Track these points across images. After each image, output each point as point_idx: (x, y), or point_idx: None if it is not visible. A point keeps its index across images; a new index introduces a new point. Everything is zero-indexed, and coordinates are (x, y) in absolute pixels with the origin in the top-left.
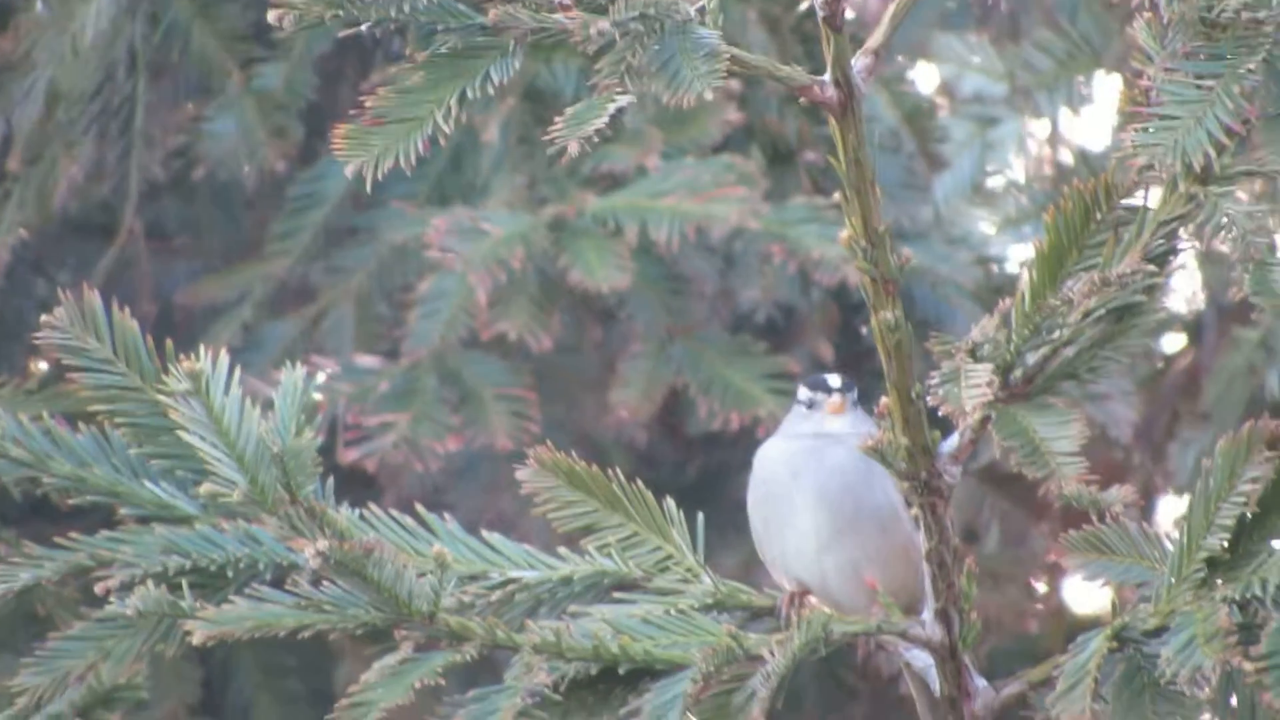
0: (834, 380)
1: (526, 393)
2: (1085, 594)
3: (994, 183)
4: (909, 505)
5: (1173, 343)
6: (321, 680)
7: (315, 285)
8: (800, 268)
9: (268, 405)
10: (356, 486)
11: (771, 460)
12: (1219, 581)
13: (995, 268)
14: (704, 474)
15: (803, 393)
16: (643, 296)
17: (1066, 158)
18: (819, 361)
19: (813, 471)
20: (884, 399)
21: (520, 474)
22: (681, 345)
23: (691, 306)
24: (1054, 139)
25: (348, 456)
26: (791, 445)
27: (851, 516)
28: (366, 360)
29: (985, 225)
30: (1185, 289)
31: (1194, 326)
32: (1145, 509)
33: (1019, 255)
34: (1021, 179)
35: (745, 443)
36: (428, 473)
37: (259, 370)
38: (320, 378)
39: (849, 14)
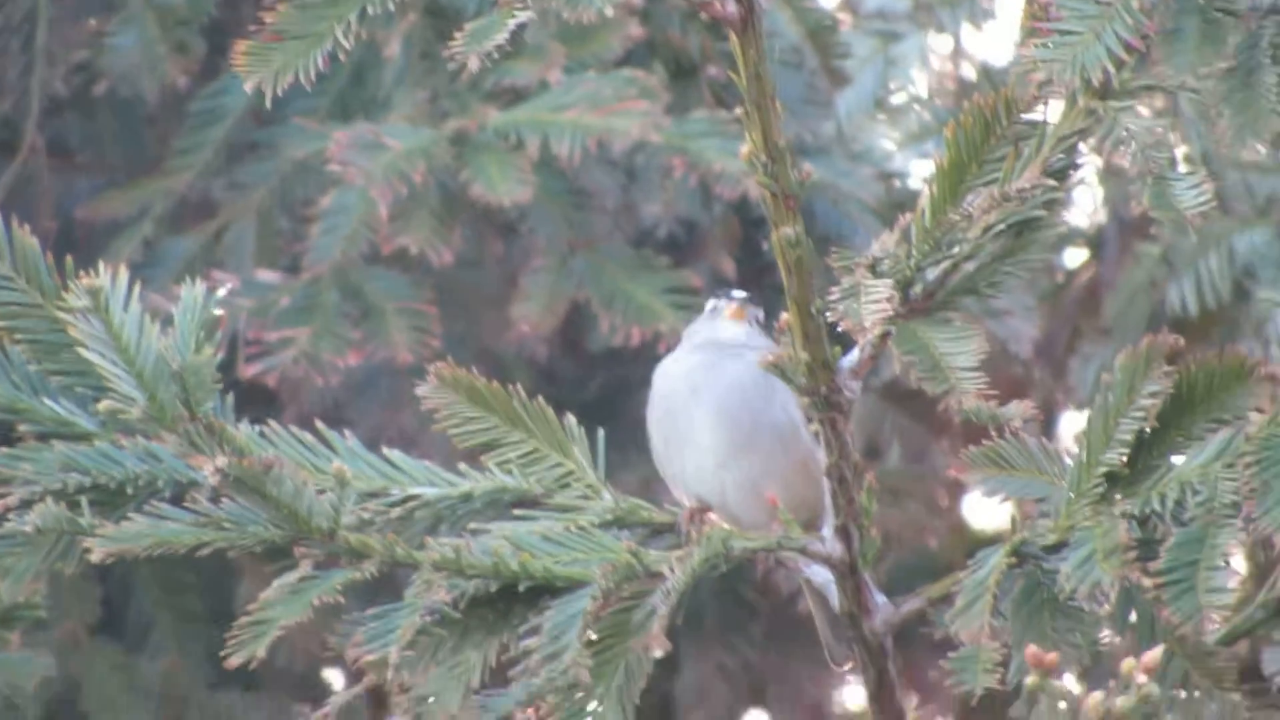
0: (737, 291)
1: (427, 307)
2: (985, 510)
3: (896, 99)
4: (809, 421)
5: (1074, 258)
6: (222, 598)
7: (216, 201)
8: (701, 181)
9: (167, 321)
10: (257, 404)
11: (670, 376)
12: (1118, 497)
13: (897, 183)
14: (605, 390)
15: (709, 302)
16: (544, 210)
17: (969, 73)
18: (720, 276)
19: (711, 387)
20: (784, 314)
21: (420, 390)
22: (583, 259)
23: (593, 221)
24: (956, 54)
25: (248, 371)
26: (690, 360)
27: (750, 432)
28: (267, 275)
29: (887, 141)
30: (1086, 204)
31: (1095, 241)
32: (1046, 425)
33: (921, 171)
34: (924, 94)
35: (646, 359)
36: (328, 388)
37: (160, 286)
38: (221, 293)
39: None
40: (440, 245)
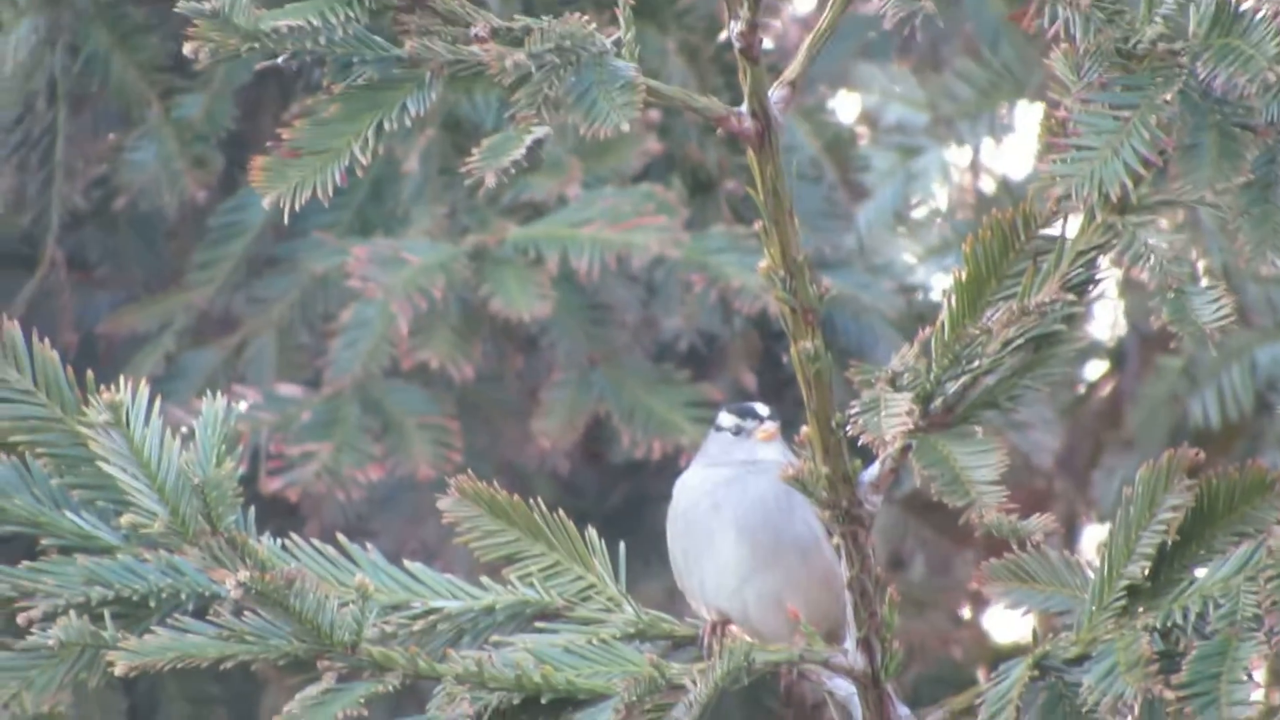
0: (762, 408)
1: (449, 421)
2: (1007, 623)
3: (917, 212)
4: (830, 534)
5: (1095, 370)
6: (247, 710)
7: (237, 315)
8: (721, 296)
9: (189, 436)
10: (279, 517)
11: (691, 490)
12: (1140, 610)
13: (918, 296)
14: (626, 502)
15: (726, 419)
16: (564, 325)
17: (988, 187)
18: (741, 389)
19: (733, 504)
20: (804, 428)
21: (442, 503)
22: (603, 373)
23: (613, 335)
24: (976, 168)
25: (270, 486)
26: (712, 475)
27: (773, 547)
28: (288, 389)
29: (908, 254)
30: (1107, 317)
31: (1116, 354)
32: (1069, 538)
33: (941, 284)
34: (944, 208)
35: (668, 471)
36: (350, 502)
37: (181, 400)
38: (242, 407)
39: (766, 44)
40: (460, 360)
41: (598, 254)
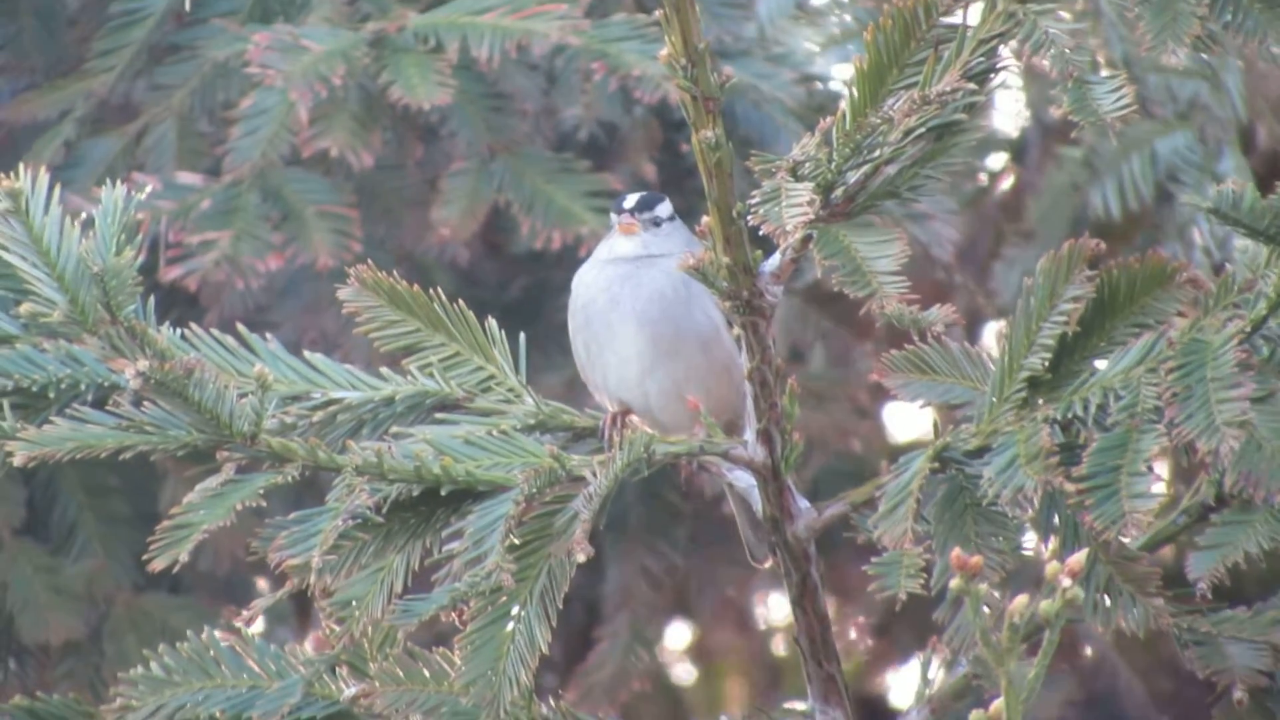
0: (629, 200)
1: (348, 210)
2: (907, 418)
3: (817, 1)
4: (731, 325)
5: (996, 162)
6: (146, 501)
7: (137, 103)
8: (621, 85)
9: (89, 224)
10: (179, 307)
11: (588, 286)
12: (1041, 402)
13: (819, 86)
14: (527, 293)
15: (611, 215)
16: (464, 114)
17: None
18: (641, 180)
19: (630, 297)
20: (705, 218)
21: (342, 293)
22: (503, 163)
23: (513, 124)
24: None
25: (169, 274)
26: (606, 271)
27: (672, 339)
28: (188, 177)
29: (808, 44)
30: (1009, 108)
31: (1017, 146)
32: (970, 331)
33: (842, 74)
34: None
35: (567, 262)
36: (249, 291)
37: (81, 188)
38: (141, 195)
39: None
40: (360, 148)
41: (498, 42)
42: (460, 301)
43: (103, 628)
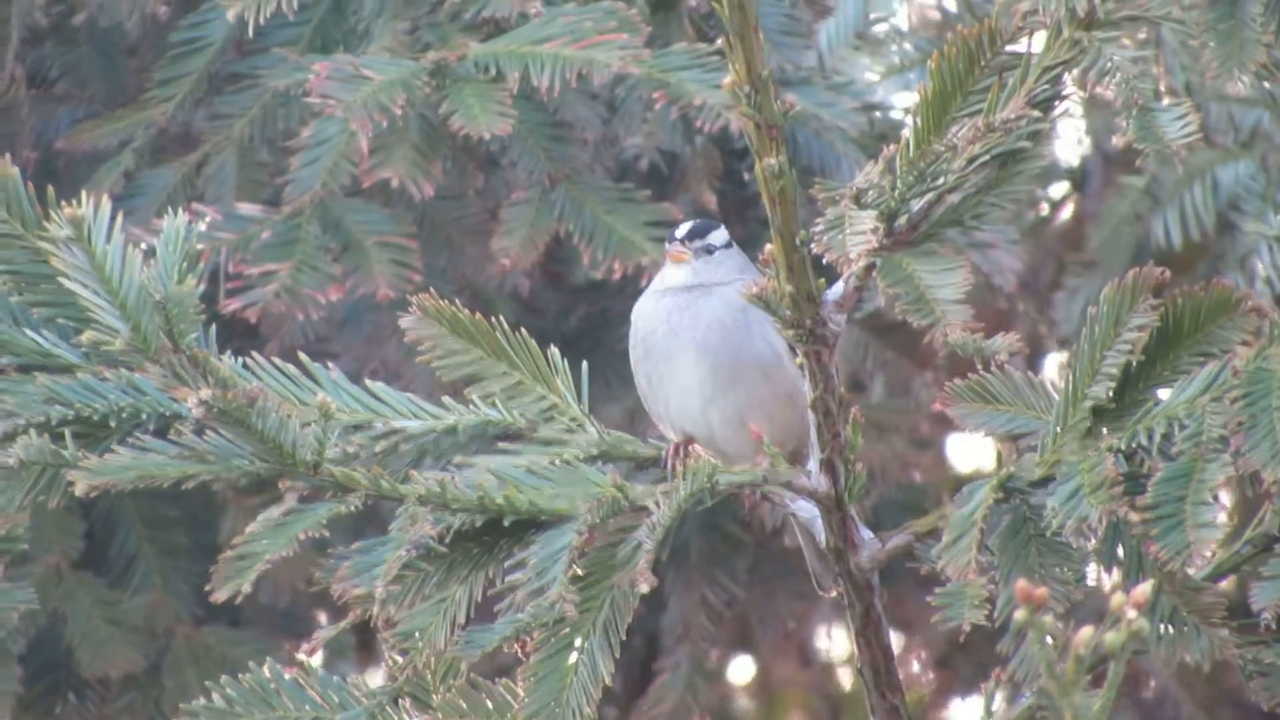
0: (681, 228)
1: (409, 240)
2: (968, 449)
3: (878, 29)
4: (794, 352)
5: (1058, 191)
6: (206, 533)
7: (197, 132)
8: (682, 114)
9: (150, 253)
10: (239, 339)
11: (646, 319)
12: (1105, 431)
13: (879, 115)
14: (588, 322)
15: (665, 244)
16: (525, 143)
17: (950, 5)
18: (702, 209)
19: (689, 327)
20: (768, 246)
21: (404, 322)
22: (564, 192)
23: (574, 153)
24: None
25: (230, 306)
26: (664, 302)
27: (733, 368)
28: (248, 208)
29: (869, 74)
30: (1071, 137)
31: (1079, 175)
32: (1032, 362)
33: (903, 103)
34: (905, 26)
35: (628, 291)
36: (309, 322)
37: (141, 218)
38: (202, 226)
39: None
40: (421, 178)
41: (559, 71)
42: (522, 330)
43: (162, 661)
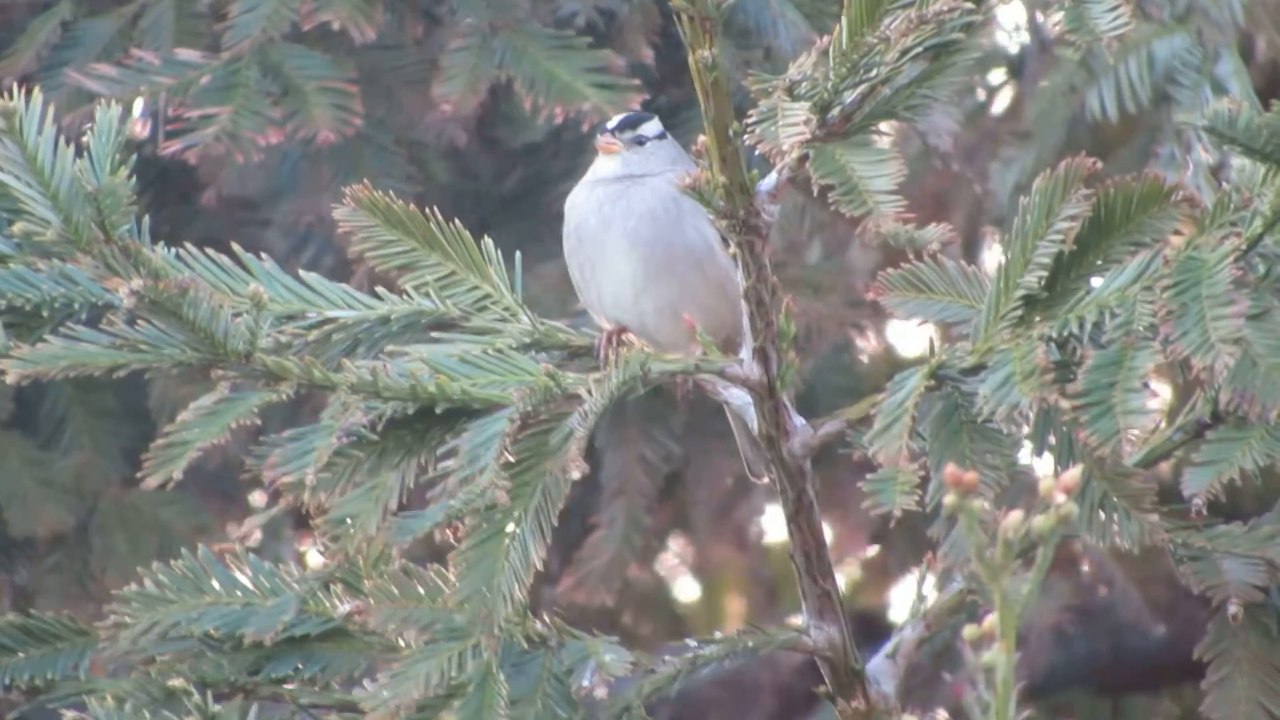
0: (612, 120)
1: (349, 85)
2: (911, 337)
3: None
4: (726, 244)
5: (996, 77)
6: (135, 397)
7: None
8: None
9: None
10: (177, 186)
11: (578, 209)
12: (1037, 319)
13: None
14: (524, 184)
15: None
16: None
17: None
18: (640, 67)
19: (621, 217)
20: (701, 138)
21: (337, 213)
22: (505, 40)
23: (513, 4)
24: None
25: (170, 148)
26: (596, 192)
27: (665, 258)
28: (187, 54)
29: None
30: (1009, 24)
31: (1017, 60)
32: (969, 248)
33: None
34: None
35: (565, 153)
36: (247, 169)
37: (79, 67)
38: (139, 88)
39: None
40: (363, 21)
41: None
42: (457, 220)
43: (91, 521)
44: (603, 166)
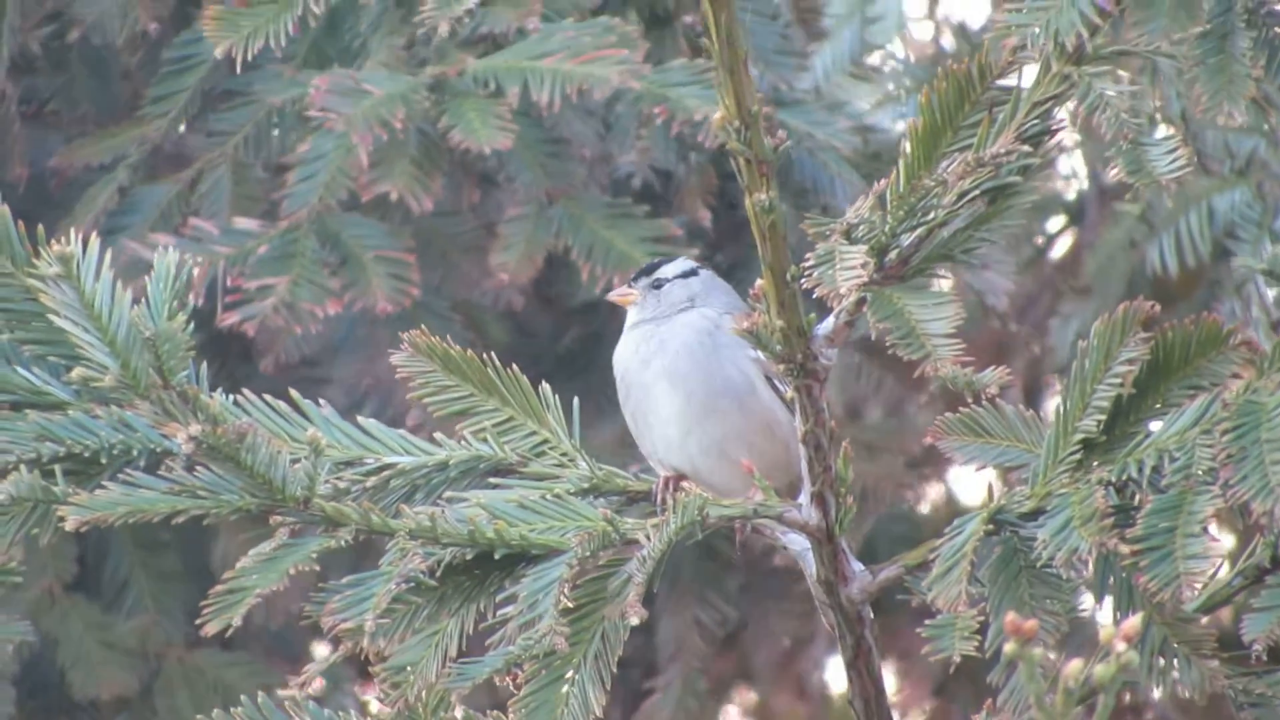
0: (644, 266)
1: (407, 255)
2: (971, 482)
3: (874, 59)
4: (769, 380)
5: (1055, 224)
6: (198, 556)
7: (191, 150)
8: (679, 133)
9: (144, 270)
10: (234, 353)
11: (620, 356)
12: (1095, 464)
13: (874, 135)
14: (581, 343)
15: None
16: (522, 159)
17: (946, 40)
18: (696, 229)
19: (658, 353)
20: (759, 281)
21: (395, 358)
22: (562, 208)
23: (570, 170)
24: (934, 15)
25: (227, 319)
26: (631, 335)
27: (705, 393)
28: (245, 223)
29: (864, 101)
30: (1067, 170)
31: (1076, 207)
32: (1029, 395)
33: (898, 125)
34: (901, 55)
35: (622, 312)
36: (305, 338)
37: (136, 234)
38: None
39: None
40: (421, 192)
41: (559, 86)
42: (514, 366)
43: (154, 683)
44: (629, 315)
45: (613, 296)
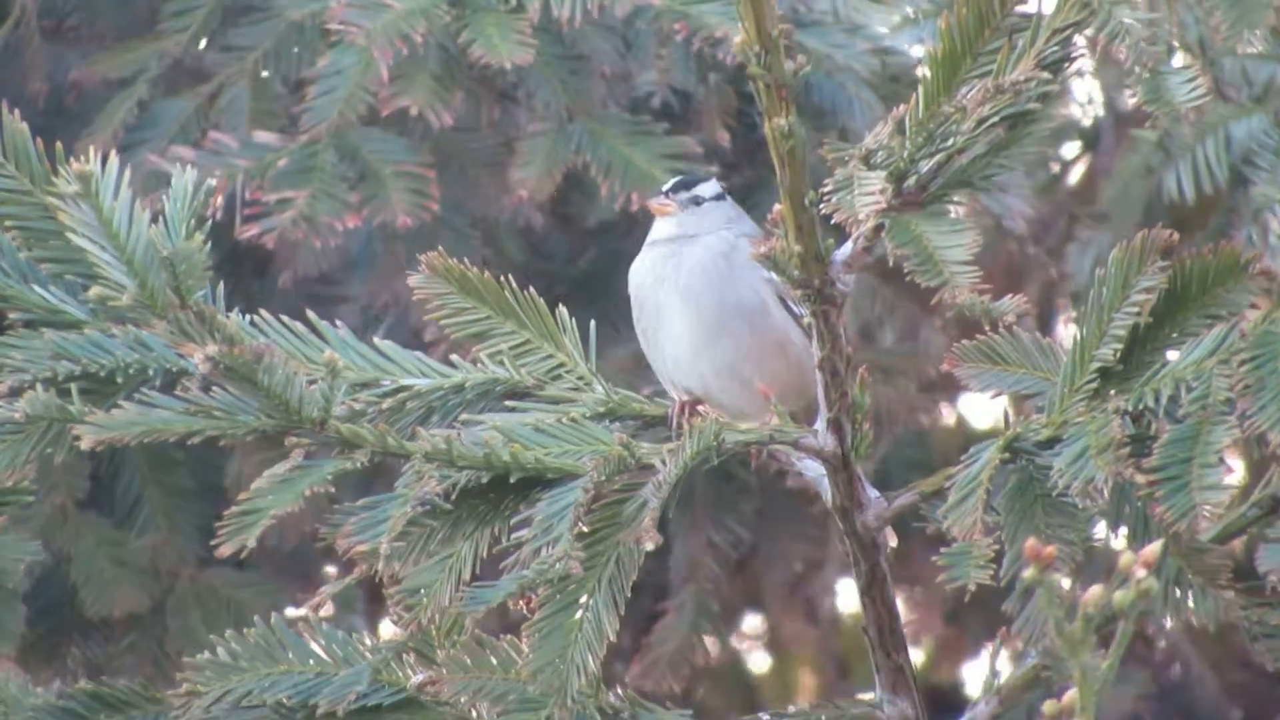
0: (669, 182)
1: (426, 170)
2: (983, 408)
3: None
4: (782, 302)
5: (1071, 150)
6: (211, 475)
7: (211, 65)
8: (703, 46)
9: (163, 186)
10: (252, 268)
11: (636, 272)
12: (1112, 393)
13: (892, 58)
14: (597, 265)
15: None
16: (542, 75)
17: None
18: (715, 148)
19: (674, 273)
20: (777, 206)
21: (412, 280)
22: (582, 125)
23: (590, 87)
24: None
25: (247, 231)
26: (652, 253)
27: (717, 312)
28: (265, 136)
29: (881, 26)
30: (1082, 97)
31: (1092, 133)
32: (1043, 313)
33: (917, 48)
34: None
35: (638, 233)
36: (324, 252)
37: (155, 148)
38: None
39: None
40: (440, 107)
41: (580, 2)
42: (531, 289)
43: (166, 602)
44: (659, 228)
45: (652, 205)
